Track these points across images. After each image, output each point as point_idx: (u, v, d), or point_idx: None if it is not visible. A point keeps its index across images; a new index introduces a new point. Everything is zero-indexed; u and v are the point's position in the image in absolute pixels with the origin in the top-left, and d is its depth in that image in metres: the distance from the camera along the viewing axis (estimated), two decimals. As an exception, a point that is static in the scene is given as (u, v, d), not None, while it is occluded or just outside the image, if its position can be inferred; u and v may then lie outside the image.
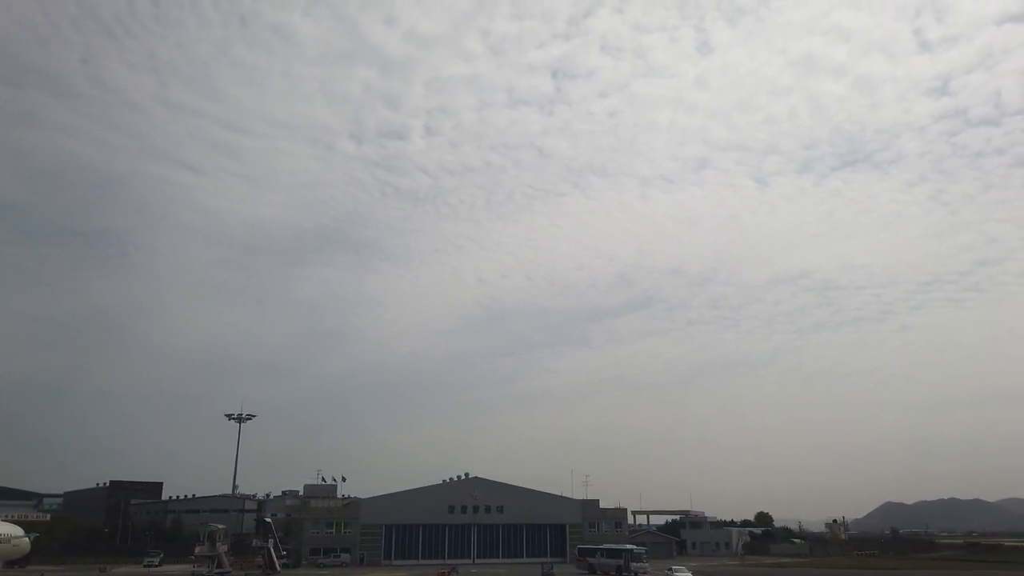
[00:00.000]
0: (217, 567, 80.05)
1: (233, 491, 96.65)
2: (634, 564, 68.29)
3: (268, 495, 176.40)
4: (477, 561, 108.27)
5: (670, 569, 69.14)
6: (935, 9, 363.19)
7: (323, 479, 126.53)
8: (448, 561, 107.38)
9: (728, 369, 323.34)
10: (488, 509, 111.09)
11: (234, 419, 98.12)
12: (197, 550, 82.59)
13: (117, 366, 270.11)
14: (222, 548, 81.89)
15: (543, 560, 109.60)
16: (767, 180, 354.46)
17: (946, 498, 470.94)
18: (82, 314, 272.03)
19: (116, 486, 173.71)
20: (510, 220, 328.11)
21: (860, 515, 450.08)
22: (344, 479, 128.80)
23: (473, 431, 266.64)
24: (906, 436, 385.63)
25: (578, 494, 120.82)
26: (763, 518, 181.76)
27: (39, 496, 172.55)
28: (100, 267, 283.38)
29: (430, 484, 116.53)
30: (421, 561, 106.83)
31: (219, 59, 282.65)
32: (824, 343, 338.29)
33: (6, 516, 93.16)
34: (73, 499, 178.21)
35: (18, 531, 78.62)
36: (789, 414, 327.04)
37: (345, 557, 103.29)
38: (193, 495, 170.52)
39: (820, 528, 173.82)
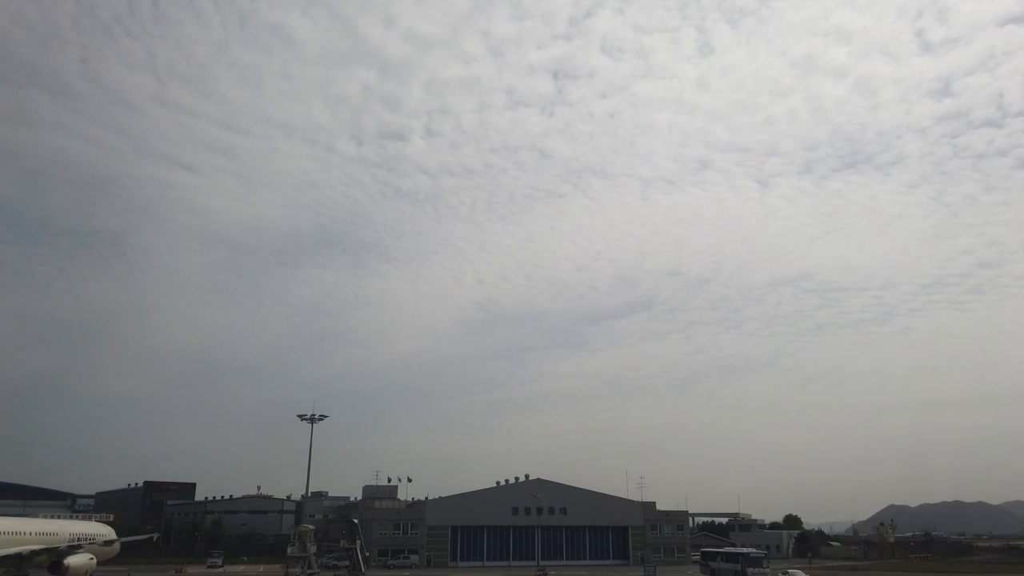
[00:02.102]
0: (307, 568, 79.92)
1: (307, 492, 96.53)
2: (751, 569, 67.96)
3: (289, 496, 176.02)
4: (542, 563, 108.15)
5: (787, 572, 69.26)
6: (937, 10, 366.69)
7: (391, 480, 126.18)
8: (513, 563, 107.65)
9: (728, 371, 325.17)
10: (551, 511, 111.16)
11: (306, 420, 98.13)
12: (289, 551, 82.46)
13: (114, 366, 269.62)
14: (312, 549, 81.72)
15: (603, 562, 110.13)
16: (768, 181, 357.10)
17: (949, 501, 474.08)
18: (78, 314, 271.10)
19: (151, 487, 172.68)
20: (510, 221, 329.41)
21: (863, 518, 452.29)
22: (410, 480, 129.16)
23: (473, 434, 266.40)
24: (907, 438, 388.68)
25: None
26: (792, 521, 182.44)
27: (73, 497, 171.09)
28: (97, 267, 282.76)
29: (493, 486, 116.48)
30: (486, 563, 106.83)
31: (217, 59, 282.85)
32: (825, 345, 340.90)
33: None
34: (105, 499, 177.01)
35: (111, 532, 78.44)
36: (790, 416, 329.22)
37: (414, 558, 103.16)
38: (230, 496, 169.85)
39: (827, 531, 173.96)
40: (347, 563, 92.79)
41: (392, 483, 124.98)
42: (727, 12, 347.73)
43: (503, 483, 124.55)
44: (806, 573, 69.96)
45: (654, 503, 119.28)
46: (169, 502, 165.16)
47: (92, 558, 68.04)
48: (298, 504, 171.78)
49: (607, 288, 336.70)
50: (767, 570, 70.67)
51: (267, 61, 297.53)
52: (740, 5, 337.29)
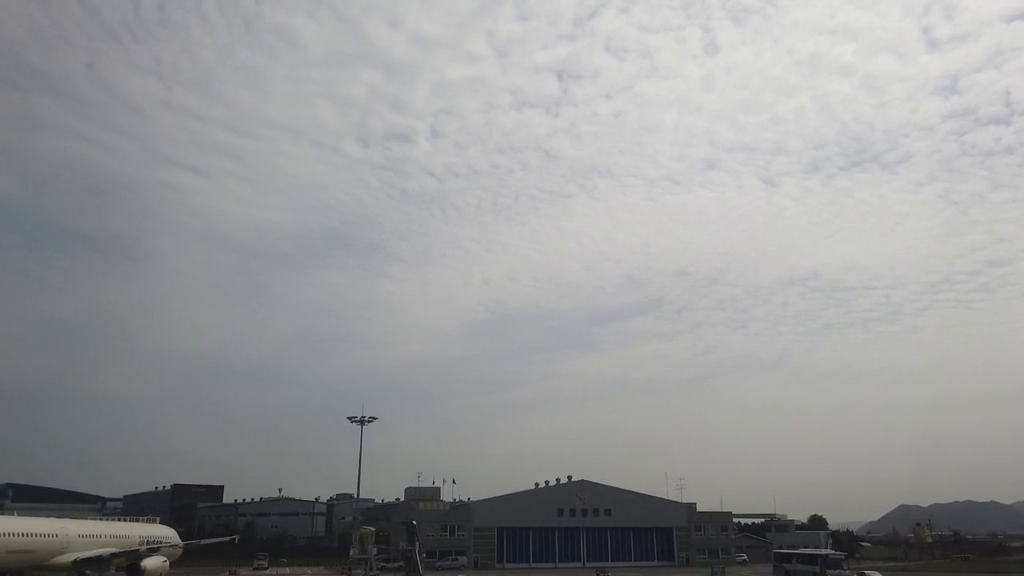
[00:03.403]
0: (369, 570, 79.99)
1: (357, 494, 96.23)
2: (831, 571, 67.14)
3: (317, 498, 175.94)
4: (588, 564, 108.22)
5: (863, 573, 68.81)
6: (943, 7, 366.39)
7: (435, 482, 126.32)
8: (560, 564, 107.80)
9: (736, 371, 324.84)
10: (596, 512, 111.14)
11: (356, 422, 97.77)
12: (352, 552, 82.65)
13: (122, 369, 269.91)
14: (372, 551, 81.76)
15: (648, 564, 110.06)
16: (775, 181, 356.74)
17: (961, 500, 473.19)
18: (87, 317, 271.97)
19: (179, 489, 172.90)
20: (516, 222, 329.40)
21: (874, 518, 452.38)
22: (455, 481, 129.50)
23: (479, 435, 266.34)
24: (917, 438, 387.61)
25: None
26: (817, 521, 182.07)
27: (103, 500, 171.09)
28: (106, 270, 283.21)
29: (538, 487, 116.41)
30: (532, 565, 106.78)
31: (223, 62, 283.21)
32: (833, 344, 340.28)
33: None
34: (133, 502, 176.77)
35: (175, 535, 78.61)
36: (798, 416, 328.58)
37: (462, 560, 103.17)
38: (261, 498, 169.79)
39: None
40: (398, 563, 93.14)
41: (435, 485, 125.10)
42: (732, 11, 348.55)
43: (542, 484, 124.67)
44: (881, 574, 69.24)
45: (695, 504, 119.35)
46: (199, 504, 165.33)
47: (166, 560, 68.32)
48: (329, 506, 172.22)
49: (615, 288, 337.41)
50: (847, 571, 69.60)
51: (273, 64, 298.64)
52: (745, 3, 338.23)
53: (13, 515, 65.85)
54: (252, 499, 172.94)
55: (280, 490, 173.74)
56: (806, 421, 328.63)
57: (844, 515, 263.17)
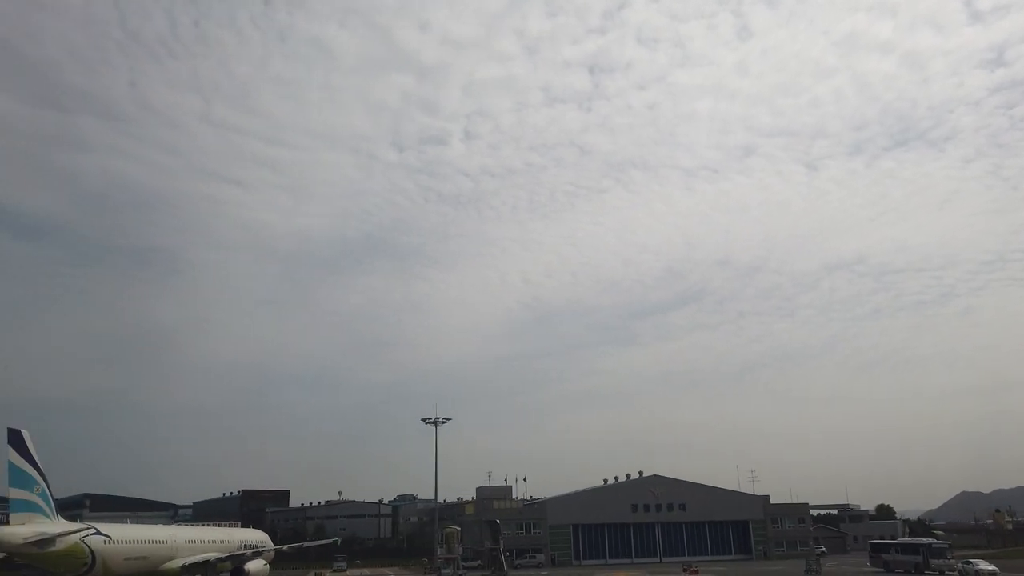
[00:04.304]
0: (456, 569, 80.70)
1: (436, 494, 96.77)
2: (934, 561, 65.23)
3: (381, 500, 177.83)
4: (664, 560, 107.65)
5: (969, 562, 67.01)
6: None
7: (506, 480, 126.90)
8: (636, 560, 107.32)
9: (783, 361, 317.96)
10: (670, 507, 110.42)
11: (430, 423, 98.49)
12: (439, 552, 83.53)
13: (178, 380, 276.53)
14: (459, 550, 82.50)
15: (725, 557, 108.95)
16: (816, 164, 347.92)
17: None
18: (139, 331, 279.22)
19: (248, 495, 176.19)
20: (553, 219, 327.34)
21: (935, 505, 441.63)
22: (526, 479, 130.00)
23: (522, 434, 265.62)
24: (978, 422, 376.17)
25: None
26: (884, 511, 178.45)
27: (175, 507, 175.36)
28: (155, 284, 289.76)
29: (605, 483, 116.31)
30: (609, 561, 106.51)
31: (259, 75, 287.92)
32: (884, 329, 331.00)
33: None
34: (203, 508, 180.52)
35: (268, 539, 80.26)
36: (849, 404, 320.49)
37: (540, 558, 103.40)
38: (326, 502, 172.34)
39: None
40: (475, 562, 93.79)
41: (507, 484, 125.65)
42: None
43: (610, 481, 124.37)
44: (990, 563, 66.90)
45: (768, 496, 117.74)
46: (268, 509, 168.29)
47: (266, 564, 69.98)
48: (394, 508, 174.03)
49: (654, 281, 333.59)
50: (952, 561, 67.52)
51: (307, 73, 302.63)
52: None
53: (126, 522, 67.96)
54: (315, 503, 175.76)
55: (340, 493, 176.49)
56: (858, 409, 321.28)
57: (903, 504, 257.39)
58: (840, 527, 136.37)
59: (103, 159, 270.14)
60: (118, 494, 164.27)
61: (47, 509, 50.64)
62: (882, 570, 75.23)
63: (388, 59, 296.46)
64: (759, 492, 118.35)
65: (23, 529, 48.24)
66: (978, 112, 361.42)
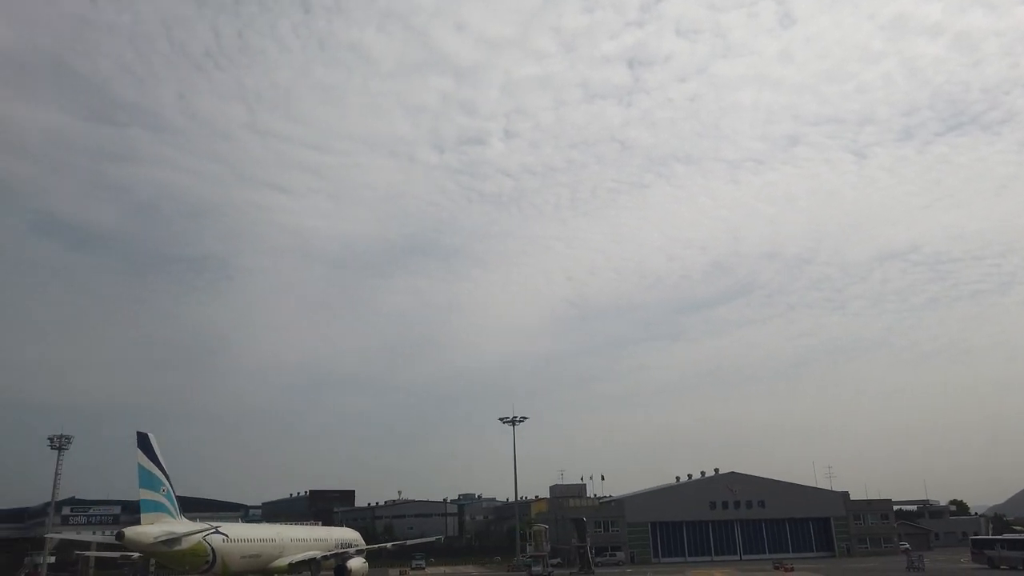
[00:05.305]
0: (545, 567, 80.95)
1: (516, 493, 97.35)
2: None
3: (446, 499, 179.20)
4: (744, 557, 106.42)
5: None
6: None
7: (584, 479, 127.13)
8: (716, 558, 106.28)
9: (835, 354, 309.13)
10: (749, 504, 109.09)
11: (507, 422, 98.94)
12: (528, 549, 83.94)
13: (231, 384, 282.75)
14: (547, 548, 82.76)
15: (807, 555, 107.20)
16: (865, 152, 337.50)
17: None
18: (195, 337, 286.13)
19: (316, 495, 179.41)
20: (595, 216, 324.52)
21: (1000, 500, 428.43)
22: (603, 478, 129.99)
23: (568, 432, 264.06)
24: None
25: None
26: (959, 506, 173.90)
27: (245, 508, 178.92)
28: (207, 291, 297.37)
29: (678, 480, 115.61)
30: (688, 559, 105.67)
31: (301, 82, 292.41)
32: (940, 320, 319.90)
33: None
34: (272, 509, 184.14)
35: (360, 538, 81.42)
36: (905, 397, 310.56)
37: (619, 555, 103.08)
38: (391, 501, 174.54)
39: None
40: (556, 560, 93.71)
41: (582, 482, 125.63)
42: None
43: (684, 479, 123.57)
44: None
45: (847, 492, 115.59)
46: (335, 509, 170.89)
47: (365, 562, 70.89)
48: (460, 506, 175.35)
49: (701, 276, 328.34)
50: None
51: (348, 79, 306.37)
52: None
53: (238, 522, 69.64)
54: (379, 502, 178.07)
55: (399, 492, 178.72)
56: (914, 403, 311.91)
57: (967, 500, 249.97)
58: (918, 523, 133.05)
59: (154, 170, 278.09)
60: (190, 495, 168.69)
61: (172, 509, 52.17)
62: (986, 567, 72.95)
63: (426, 61, 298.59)
64: (823, 487, 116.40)
65: (153, 529, 49.76)
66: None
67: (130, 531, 49.67)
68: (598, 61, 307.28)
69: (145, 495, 50.69)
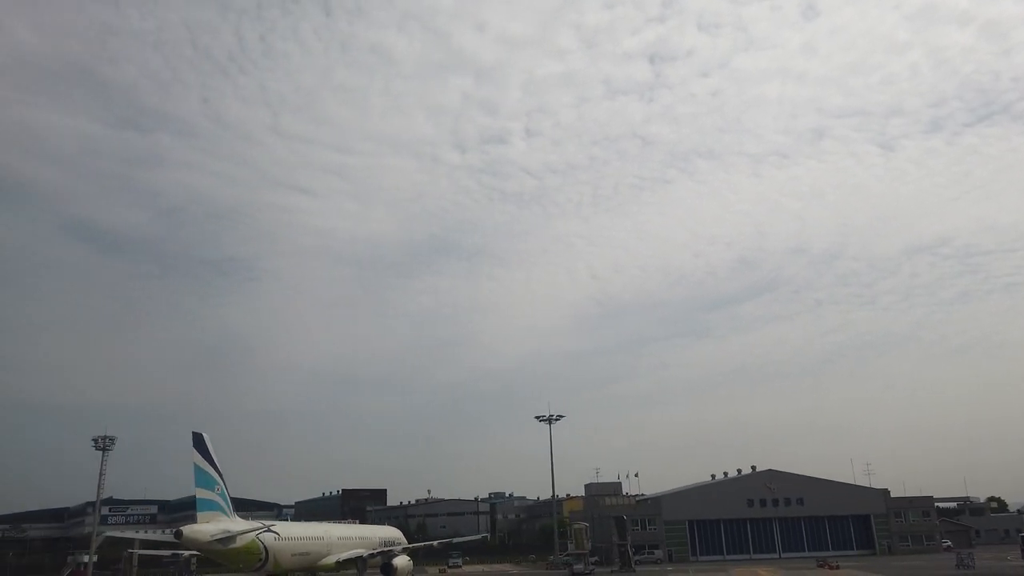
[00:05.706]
0: (586, 566, 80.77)
1: (553, 493, 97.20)
2: None
3: (476, 497, 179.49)
4: (783, 556, 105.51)
5: None
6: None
7: (620, 478, 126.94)
8: (754, 556, 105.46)
9: (864, 350, 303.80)
10: (787, 502, 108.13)
11: (544, 420, 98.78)
12: (570, 547, 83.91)
13: (259, 385, 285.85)
14: (587, 546, 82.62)
15: (847, 552, 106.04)
16: (892, 144, 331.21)
17: None
18: (222, 338, 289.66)
19: (348, 494, 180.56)
20: (618, 213, 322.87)
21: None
22: (637, 475, 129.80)
23: (595, 430, 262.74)
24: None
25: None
26: (998, 503, 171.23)
27: (279, 507, 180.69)
28: (233, 293, 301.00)
29: (713, 478, 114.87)
30: (727, 557, 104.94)
31: (323, 85, 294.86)
32: (972, 314, 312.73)
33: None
34: (305, 508, 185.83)
35: (402, 536, 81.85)
36: (936, 393, 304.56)
37: (658, 554, 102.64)
38: (422, 500, 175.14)
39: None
40: (595, 559, 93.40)
41: (617, 481, 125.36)
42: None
43: (720, 476, 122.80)
44: None
45: (887, 490, 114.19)
46: (368, 508, 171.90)
47: (410, 560, 71.22)
48: (491, 505, 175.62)
49: (726, 272, 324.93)
50: None
51: (370, 81, 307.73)
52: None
53: (287, 520, 70.26)
54: (408, 501, 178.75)
55: (428, 491, 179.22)
56: (947, 398, 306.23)
57: (1004, 496, 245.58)
58: (958, 520, 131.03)
59: (180, 174, 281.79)
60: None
61: (226, 507, 52.88)
62: None
63: (447, 62, 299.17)
64: (861, 484, 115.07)
65: (209, 527, 50.48)
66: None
67: (188, 529, 50.42)
68: (619, 57, 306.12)
69: (201, 494, 51.43)
